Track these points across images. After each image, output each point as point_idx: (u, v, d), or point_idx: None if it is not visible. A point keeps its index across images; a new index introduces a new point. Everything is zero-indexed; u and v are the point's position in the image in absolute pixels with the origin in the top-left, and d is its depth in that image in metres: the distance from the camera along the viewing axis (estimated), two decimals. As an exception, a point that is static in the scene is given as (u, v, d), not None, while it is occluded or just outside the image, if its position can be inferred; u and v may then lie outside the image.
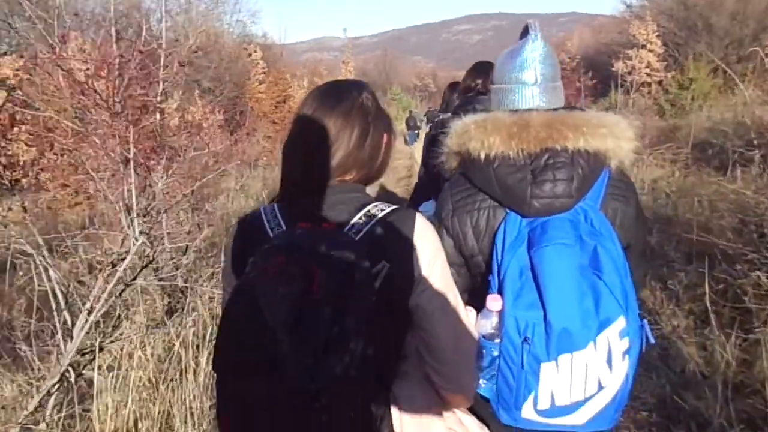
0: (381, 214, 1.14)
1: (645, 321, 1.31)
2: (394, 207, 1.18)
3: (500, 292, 1.29)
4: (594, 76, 26.18)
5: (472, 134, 1.38)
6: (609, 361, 1.22)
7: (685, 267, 4.38)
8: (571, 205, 1.32)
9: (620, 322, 1.22)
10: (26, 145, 13.03)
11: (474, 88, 2.75)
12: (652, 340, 1.32)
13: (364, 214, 1.14)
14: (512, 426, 1.34)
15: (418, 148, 22.74)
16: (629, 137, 1.36)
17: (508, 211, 1.37)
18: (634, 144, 1.37)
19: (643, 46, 19.37)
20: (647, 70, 19.10)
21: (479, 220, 1.40)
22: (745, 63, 15.21)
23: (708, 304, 3.17)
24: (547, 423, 1.28)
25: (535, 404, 1.26)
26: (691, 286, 4.01)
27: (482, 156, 1.36)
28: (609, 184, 1.38)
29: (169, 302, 4.43)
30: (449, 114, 2.85)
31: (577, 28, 46.83)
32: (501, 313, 1.27)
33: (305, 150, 1.21)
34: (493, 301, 1.27)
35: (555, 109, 1.41)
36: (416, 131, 23.05)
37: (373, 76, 69.77)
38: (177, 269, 4.10)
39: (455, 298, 1.19)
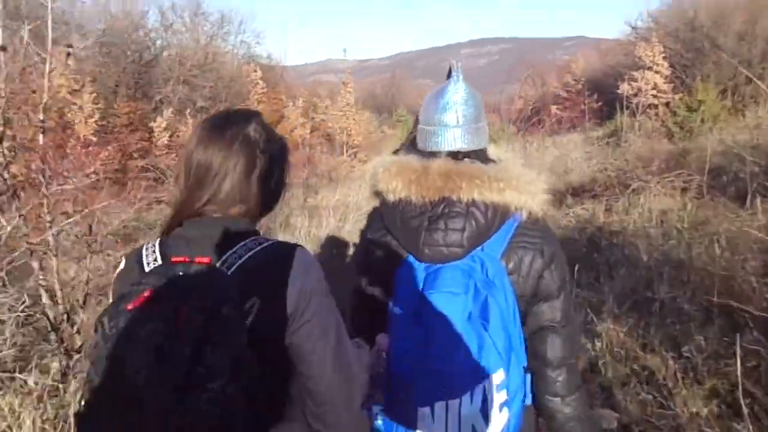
0: (257, 248, 1.13)
1: (528, 376, 1.34)
2: (273, 242, 1.17)
3: (390, 331, 1.33)
4: (599, 98, 25.82)
5: (379, 177, 1.43)
6: (485, 412, 1.23)
7: (704, 328, 3.54)
8: (462, 255, 1.33)
9: (499, 375, 1.24)
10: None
11: None
12: (528, 401, 1.34)
13: (240, 248, 1.12)
14: None
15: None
16: (532, 191, 1.35)
17: (408, 254, 1.39)
18: (540, 197, 1.36)
19: (650, 68, 18.90)
20: (654, 92, 18.60)
21: (385, 261, 1.43)
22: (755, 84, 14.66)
23: (739, 386, 2.27)
24: None
25: None
26: (713, 356, 3.19)
27: (390, 198, 1.40)
28: (516, 233, 1.37)
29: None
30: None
31: (582, 51, 46.57)
32: (387, 354, 1.30)
33: (188, 183, 1.18)
34: (382, 341, 1.32)
35: (478, 153, 1.44)
36: None
37: (380, 99, 70.15)
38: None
39: (337, 338, 1.14)
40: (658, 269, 4.43)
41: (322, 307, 1.14)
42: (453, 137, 1.43)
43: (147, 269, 1.11)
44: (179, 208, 1.19)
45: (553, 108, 29.68)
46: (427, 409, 1.24)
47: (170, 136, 15.53)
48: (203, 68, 20.73)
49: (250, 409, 0.97)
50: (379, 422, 1.32)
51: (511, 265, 1.35)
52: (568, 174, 10.84)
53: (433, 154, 1.42)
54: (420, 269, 1.36)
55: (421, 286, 1.32)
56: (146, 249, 1.17)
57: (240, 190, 1.18)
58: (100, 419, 0.92)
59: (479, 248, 1.34)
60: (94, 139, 13.12)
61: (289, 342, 1.11)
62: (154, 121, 15.50)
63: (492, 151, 1.53)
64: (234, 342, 0.94)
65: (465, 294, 1.27)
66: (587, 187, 8.93)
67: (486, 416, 1.24)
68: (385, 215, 1.45)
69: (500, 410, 1.25)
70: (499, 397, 1.25)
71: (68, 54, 13.01)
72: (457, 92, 1.44)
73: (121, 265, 1.21)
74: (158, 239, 1.19)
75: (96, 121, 13.11)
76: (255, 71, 23.54)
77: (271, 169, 1.23)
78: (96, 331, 0.95)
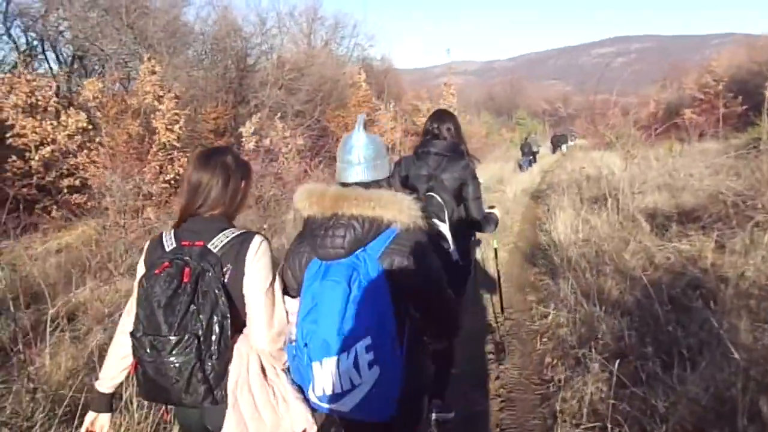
0: (232, 236, 1.89)
1: (394, 344, 1.80)
2: (243, 231, 1.93)
3: (299, 309, 1.88)
4: (744, 101, 22.47)
5: (299, 198, 1.95)
6: (357, 367, 1.75)
7: None
8: (344, 255, 1.83)
9: (367, 340, 1.74)
10: (97, 168, 12.94)
11: (431, 131, 3.32)
12: (399, 361, 1.81)
13: (223, 236, 1.88)
14: (314, 409, 1.93)
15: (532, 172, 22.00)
16: (398, 209, 1.84)
17: (313, 255, 1.91)
18: (406, 213, 1.84)
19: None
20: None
21: (301, 260, 1.96)
22: None
23: None
24: (325, 407, 1.85)
25: (314, 391, 1.84)
26: None
27: (304, 214, 1.95)
28: (392, 240, 1.86)
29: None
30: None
31: (728, 49, 41.56)
32: (297, 325, 1.87)
33: (187, 195, 1.94)
34: (293, 315, 1.92)
35: (376, 182, 1.97)
36: (530, 157, 23.02)
37: (500, 101, 68.14)
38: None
39: (268, 292, 1.91)
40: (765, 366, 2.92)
41: (262, 271, 1.89)
42: (356, 171, 1.96)
43: (167, 248, 1.88)
44: (183, 210, 1.96)
45: (688, 112, 26.56)
46: (317, 363, 1.78)
47: (257, 141, 15.23)
48: (303, 71, 20.51)
49: (220, 330, 1.79)
50: (293, 361, 1.90)
51: (386, 264, 1.83)
52: (680, 193, 8.92)
53: (346, 184, 1.96)
54: (318, 265, 1.87)
55: (318, 277, 1.83)
56: (165, 235, 1.93)
57: (219, 197, 1.94)
58: (140, 332, 1.78)
59: (362, 250, 1.84)
60: (178, 145, 13.09)
61: (244, 292, 1.88)
62: (244, 126, 15.34)
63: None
64: (215, 292, 1.79)
65: (345, 282, 1.76)
66: (700, 212, 7.11)
67: (359, 371, 1.75)
68: (303, 226, 1.99)
69: (369, 368, 1.76)
70: (367, 357, 1.74)
71: (153, 60, 13.20)
72: (358, 139, 1.98)
73: (147, 244, 1.97)
74: (172, 230, 1.95)
75: (181, 127, 13.07)
76: (359, 74, 23.03)
77: (237, 186, 1.98)
78: (140, 286, 1.81)
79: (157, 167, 12.46)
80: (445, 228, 3.00)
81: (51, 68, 18.98)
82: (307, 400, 1.91)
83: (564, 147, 29.25)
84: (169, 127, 12.65)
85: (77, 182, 12.86)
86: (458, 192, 3.14)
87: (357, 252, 1.82)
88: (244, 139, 15.39)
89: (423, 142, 3.29)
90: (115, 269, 6.68)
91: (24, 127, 12.53)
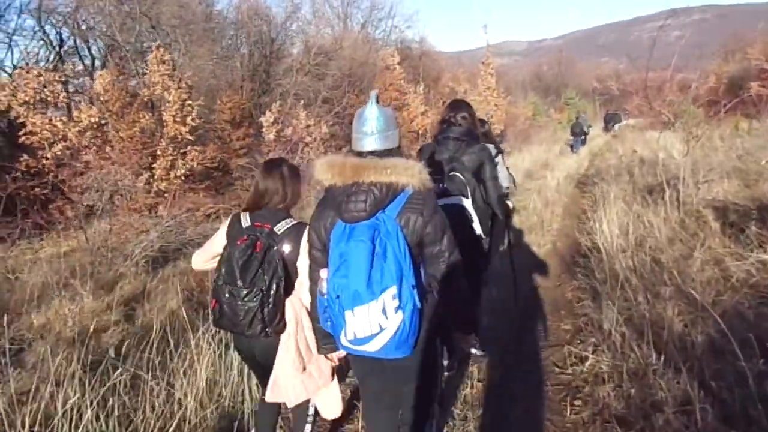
0: (291, 224, 2.53)
1: (415, 290, 2.05)
2: (298, 222, 2.57)
3: (329, 266, 2.13)
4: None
5: (320, 170, 2.19)
6: (384, 313, 2.02)
7: None
8: (366, 217, 2.09)
9: (392, 289, 2.01)
10: (106, 164, 12.29)
11: (448, 120, 3.65)
12: (418, 305, 2.07)
13: (284, 223, 2.53)
14: (345, 350, 2.25)
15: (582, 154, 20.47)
16: (410, 174, 2.11)
17: (337, 218, 2.17)
18: (417, 178, 2.12)
19: None
20: None
21: (325, 223, 2.22)
22: None
23: None
24: (356, 349, 2.14)
25: (345, 336, 2.11)
26: None
27: (326, 184, 2.20)
28: (407, 202, 2.13)
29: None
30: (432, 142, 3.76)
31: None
32: (327, 280, 2.14)
33: (255, 197, 2.60)
34: (323, 272, 2.18)
35: (389, 149, 2.23)
36: (582, 137, 22.03)
37: (547, 80, 65.16)
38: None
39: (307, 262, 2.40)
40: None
41: (305, 250, 2.41)
42: (369, 142, 2.21)
43: (244, 226, 2.53)
44: (252, 204, 2.62)
45: (755, 85, 24.10)
46: (349, 311, 2.05)
47: (278, 132, 14.28)
48: (330, 56, 19.42)
49: (276, 288, 2.43)
50: (324, 313, 2.21)
51: (403, 222, 2.10)
52: (756, 182, 7.43)
53: (359, 153, 2.22)
54: (344, 226, 2.11)
55: (345, 238, 2.08)
56: (243, 216, 2.58)
57: (281, 198, 2.59)
58: (221, 281, 2.47)
59: (381, 212, 2.10)
60: (191, 138, 12.28)
61: (297, 264, 2.50)
62: (263, 116, 14.42)
63: None
64: (275, 261, 2.44)
65: (370, 241, 2.03)
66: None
67: (386, 315, 2.02)
68: (325, 195, 2.26)
69: (395, 312, 2.03)
70: (393, 303, 2.02)
71: (162, 49, 12.38)
72: (371, 112, 2.22)
73: (227, 221, 2.64)
74: (247, 213, 2.59)
75: (193, 119, 12.24)
76: (392, 56, 21.76)
77: (293, 188, 2.64)
78: (224, 250, 2.53)
79: (168, 162, 11.70)
80: (468, 203, 3.33)
81: (85, 65, 18.60)
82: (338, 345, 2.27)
83: (616, 127, 28.00)
84: (178, 119, 11.83)
85: (90, 180, 12.26)
86: (477, 172, 3.49)
87: (377, 214, 2.09)
88: (264, 130, 14.49)
89: (442, 130, 3.66)
90: (84, 286, 5.83)
91: (35, 124, 11.94)
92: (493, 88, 21.44)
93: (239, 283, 2.39)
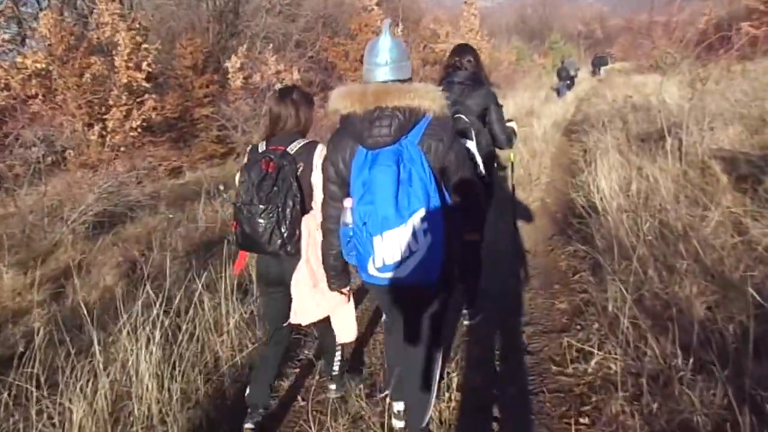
0: (303, 143, 2.62)
1: (441, 212, 2.05)
2: (310, 141, 2.67)
3: (352, 195, 2.14)
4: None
5: (337, 99, 2.17)
6: (415, 236, 2.01)
7: None
8: (391, 142, 2.06)
9: (421, 212, 2.00)
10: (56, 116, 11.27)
11: (454, 64, 3.67)
12: (445, 229, 2.07)
13: (297, 143, 2.61)
14: (370, 282, 2.22)
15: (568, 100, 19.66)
16: (432, 98, 2.09)
17: (359, 145, 2.14)
18: (438, 102, 2.11)
19: None
20: None
21: (345, 153, 2.19)
22: None
23: None
24: (383, 277, 2.11)
25: (374, 263, 2.09)
26: None
27: (344, 112, 2.16)
28: (428, 126, 2.10)
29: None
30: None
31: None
32: (352, 209, 2.12)
33: (272, 120, 2.73)
34: (348, 202, 2.15)
35: (402, 80, 2.19)
36: (568, 81, 21.35)
37: (532, 24, 63.36)
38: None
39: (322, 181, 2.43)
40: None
41: (318, 169, 2.53)
42: (383, 72, 2.18)
43: (260, 150, 2.64)
44: (268, 131, 2.75)
45: (745, 25, 23.22)
46: (378, 237, 2.03)
47: (245, 78, 13.21)
48: (303, -5, 18.07)
49: (292, 205, 2.53)
50: (348, 243, 2.18)
51: (425, 148, 2.08)
52: (765, 128, 6.75)
53: (368, 84, 2.19)
54: (366, 154, 2.09)
55: (368, 165, 2.06)
56: (261, 143, 2.69)
57: (295, 122, 2.68)
58: (240, 202, 2.55)
59: (404, 137, 2.07)
60: (147, 85, 11.20)
61: (312, 180, 2.59)
62: (228, 61, 13.29)
63: None
64: (291, 180, 2.51)
65: (395, 165, 2.01)
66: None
67: (416, 238, 2.01)
68: (343, 124, 2.20)
69: (425, 235, 2.02)
70: (422, 226, 2.00)
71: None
72: (384, 42, 2.18)
73: (249, 148, 2.75)
74: (264, 140, 2.71)
75: (149, 64, 11.13)
76: (370, -4, 20.41)
77: (306, 112, 2.73)
78: (241, 172, 2.59)
79: (122, 113, 10.67)
80: (472, 145, 3.29)
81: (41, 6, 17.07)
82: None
83: (602, 70, 27.30)
84: (131, 65, 10.74)
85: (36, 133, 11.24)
86: (482, 115, 3.52)
87: (401, 139, 2.08)
88: (230, 76, 13.41)
89: (447, 74, 3.67)
90: (2, 259, 5.03)
91: (-29, 72, 10.81)
92: (476, 31, 20.30)
93: (255, 200, 2.51)
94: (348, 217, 2.13)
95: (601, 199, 5.24)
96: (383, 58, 2.16)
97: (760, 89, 10.39)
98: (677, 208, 4.58)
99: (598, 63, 28.61)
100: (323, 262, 2.49)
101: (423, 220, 1.99)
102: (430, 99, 2.08)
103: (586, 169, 6.77)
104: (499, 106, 3.60)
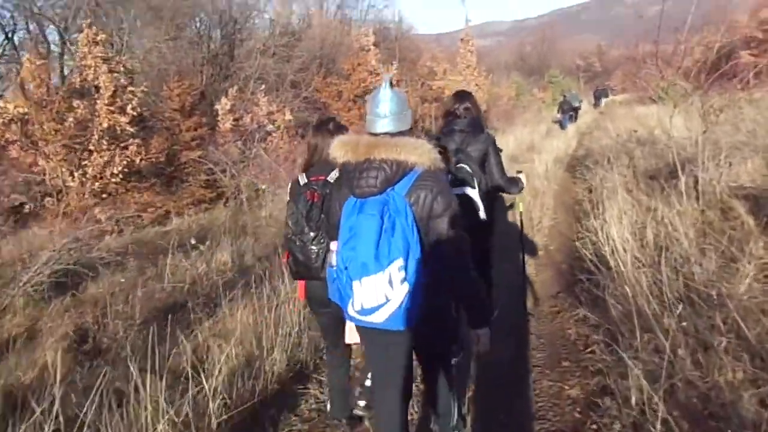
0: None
1: (420, 264, 2.07)
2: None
3: (339, 239, 2.18)
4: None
5: (336, 148, 2.25)
6: (391, 284, 2.04)
7: None
8: (377, 192, 2.11)
9: (399, 261, 2.03)
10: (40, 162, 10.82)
11: (453, 112, 3.84)
12: (423, 279, 2.09)
13: (335, 172, 2.52)
14: (352, 322, 2.30)
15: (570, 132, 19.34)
16: (420, 153, 2.14)
17: (349, 193, 2.23)
18: (426, 157, 2.14)
19: None
20: None
21: (341, 201, 2.24)
22: None
23: None
24: (362, 319, 2.14)
25: (353, 306, 2.13)
26: None
27: (341, 161, 2.23)
28: (417, 178, 2.14)
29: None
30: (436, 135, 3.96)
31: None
32: (337, 252, 2.18)
33: (309, 151, 2.89)
34: (333, 245, 2.27)
35: (400, 132, 2.25)
36: (570, 113, 22.01)
37: (531, 60, 63.82)
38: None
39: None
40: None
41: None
42: (382, 124, 2.24)
43: (301, 183, 2.79)
44: (307, 163, 2.88)
45: (745, 53, 22.92)
46: (357, 282, 2.08)
47: (235, 120, 12.78)
48: (299, 36, 17.84)
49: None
50: (333, 283, 2.27)
51: (412, 199, 2.12)
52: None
53: (373, 134, 2.25)
54: (355, 201, 2.15)
55: (355, 212, 2.12)
56: (300, 177, 2.82)
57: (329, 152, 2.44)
58: (290, 233, 2.77)
59: (391, 188, 2.12)
60: (131, 129, 10.75)
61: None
62: (219, 103, 12.89)
63: None
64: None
65: (379, 215, 2.06)
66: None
67: (392, 286, 2.04)
68: (340, 171, 2.30)
69: (401, 283, 2.05)
70: (399, 275, 2.04)
71: (94, 27, 10.78)
72: (385, 95, 2.26)
73: (290, 184, 2.89)
74: (303, 173, 2.85)
75: (134, 107, 10.70)
76: (367, 36, 20.19)
77: None
78: (288, 206, 2.84)
79: (105, 158, 10.18)
80: (475, 194, 3.36)
81: (39, 51, 16.88)
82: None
83: (602, 102, 28.32)
84: (113, 108, 10.29)
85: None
86: (482, 161, 3.67)
87: (387, 190, 2.12)
88: (220, 118, 12.99)
89: (447, 122, 3.85)
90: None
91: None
92: (474, 67, 20.01)
93: (306, 230, 2.70)
94: (333, 260, 2.26)
95: (613, 251, 4.62)
96: (383, 110, 2.25)
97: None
98: (702, 261, 3.97)
99: (599, 95, 29.55)
100: None
101: (401, 269, 2.05)
102: (418, 154, 2.14)
103: (592, 212, 6.17)
104: (498, 151, 3.78)
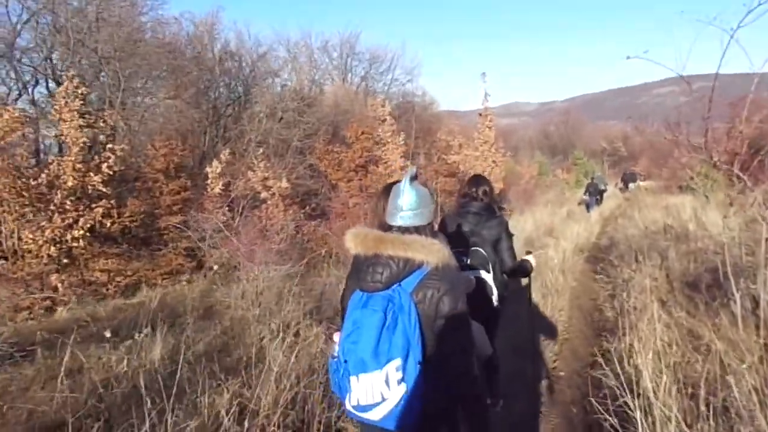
0: None
1: (420, 366, 1.98)
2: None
3: (342, 331, 2.15)
4: None
5: (349, 239, 2.21)
6: (387, 383, 1.97)
7: None
8: (382, 288, 2.06)
9: (397, 362, 1.96)
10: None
11: (469, 194, 3.90)
12: (422, 381, 1.98)
13: None
14: (352, 417, 2.15)
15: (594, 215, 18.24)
16: (428, 251, 2.07)
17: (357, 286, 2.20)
18: (436, 256, 2.07)
19: None
20: None
21: (351, 288, 2.23)
22: None
23: None
24: (359, 416, 2.06)
25: (350, 401, 2.06)
26: None
27: (353, 252, 2.21)
28: (426, 276, 2.07)
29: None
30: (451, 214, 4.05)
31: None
32: (339, 344, 2.13)
33: (373, 213, 2.59)
34: (336, 336, 2.22)
35: (416, 227, 2.19)
36: (597, 197, 21.89)
37: (555, 140, 63.75)
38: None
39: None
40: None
41: None
42: (400, 217, 2.19)
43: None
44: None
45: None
46: (354, 377, 2.02)
47: (225, 185, 11.83)
48: (308, 102, 17.21)
49: None
50: (334, 375, 2.17)
51: (419, 297, 2.04)
52: None
53: (390, 226, 2.21)
54: (360, 295, 2.13)
55: (360, 305, 2.09)
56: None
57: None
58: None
59: (397, 284, 2.06)
60: (104, 189, 9.81)
61: None
62: (209, 166, 12.01)
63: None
64: None
65: (382, 311, 2.01)
66: None
67: (389, 386, 1.97)
68: (352, 263, 2.31)
69: (398, 384, 1.96)
70: (396, 375, 1.96)
71: (75, 80, 10.07)
72: (405, 189, 2.20)
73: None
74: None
75: (110, 166, 9.81)
76: (383, 106, 19.49)
77: None
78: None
79: (66, 221, 9.18)
80: (489, 278, 3.51)
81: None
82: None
83: (631, 186, 27.80)
84: (79, 166, 9.38)
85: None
86: (495, 245, 3.72)
87: (393, 286, 2.07)
88: (210, 182, 12.06)
89: (462, 204, 3.91)
90: None
91: None
92: (492, 143, 19.12)
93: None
94: (335, 351, 2.21)
95: (643, 388, 3.28)
96: (402, 204, 2.22)
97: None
98: (760, 408, 2.64)
99: (627, 179, 29.13)
100: None
101: (398, 369, 1.98)
102: (426, 252, 2.09)
103: (617, 327, 4.82)
104: (510, 235, 3.81)
